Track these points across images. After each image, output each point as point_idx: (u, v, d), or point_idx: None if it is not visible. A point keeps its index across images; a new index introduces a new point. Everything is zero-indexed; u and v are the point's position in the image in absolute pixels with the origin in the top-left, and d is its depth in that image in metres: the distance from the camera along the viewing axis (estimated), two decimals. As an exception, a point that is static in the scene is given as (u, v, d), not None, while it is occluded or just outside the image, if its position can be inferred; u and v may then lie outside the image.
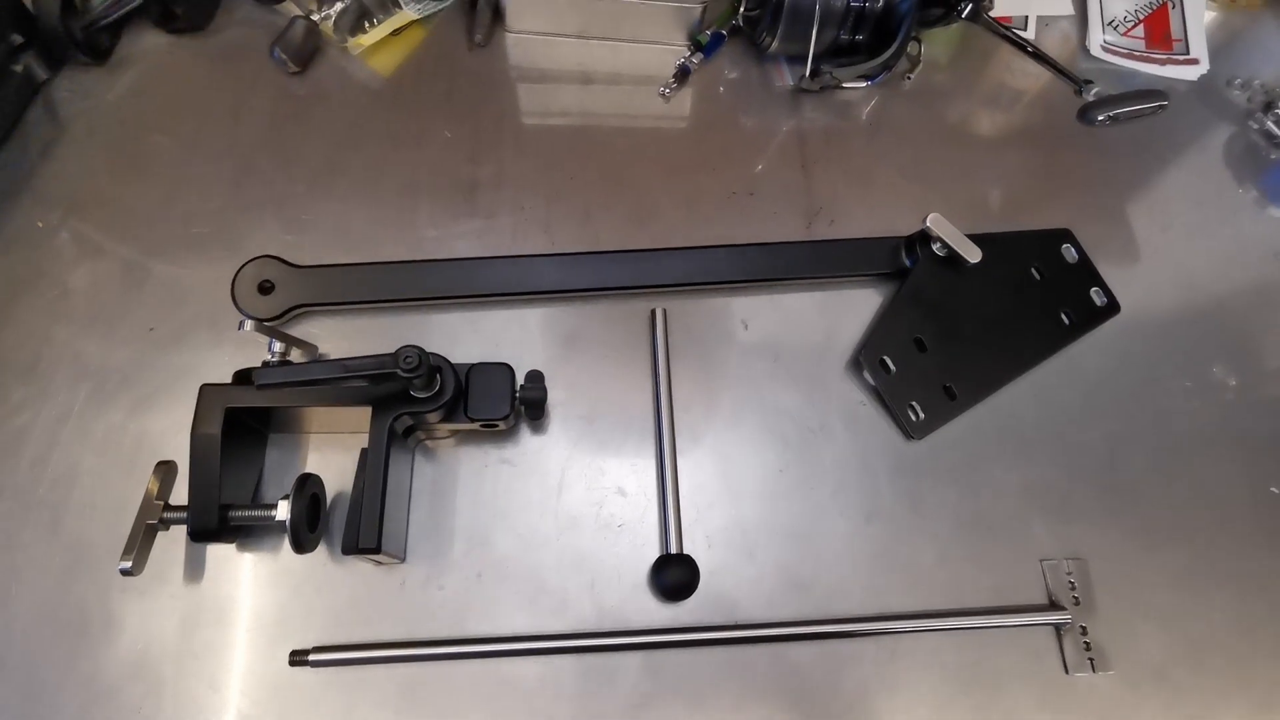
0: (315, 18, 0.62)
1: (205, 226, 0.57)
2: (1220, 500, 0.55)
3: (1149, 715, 0.49)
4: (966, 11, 0.59)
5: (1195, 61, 0.69)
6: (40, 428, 0.50)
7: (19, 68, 0.57)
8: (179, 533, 0.48)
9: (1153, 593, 0.52)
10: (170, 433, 0.51)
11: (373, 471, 0.45)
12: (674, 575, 0.48)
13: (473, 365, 0.49)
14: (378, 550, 0.43)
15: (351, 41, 0.63)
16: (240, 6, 0.65)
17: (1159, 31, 0.71)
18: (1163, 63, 0.69)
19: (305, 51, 0.61)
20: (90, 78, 0.61)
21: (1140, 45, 0.70)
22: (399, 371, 0.43)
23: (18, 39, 0.56)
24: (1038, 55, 0.58)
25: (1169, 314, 0.61)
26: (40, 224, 0.56)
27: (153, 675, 0.45)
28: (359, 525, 0.44)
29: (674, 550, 0.49)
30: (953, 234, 0.55)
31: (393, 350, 0.43)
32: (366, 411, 0.46)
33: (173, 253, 0.56)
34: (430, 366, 0.44)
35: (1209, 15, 0.73)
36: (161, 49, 0.63)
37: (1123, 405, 0.57)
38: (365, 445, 0.46)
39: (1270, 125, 0.66)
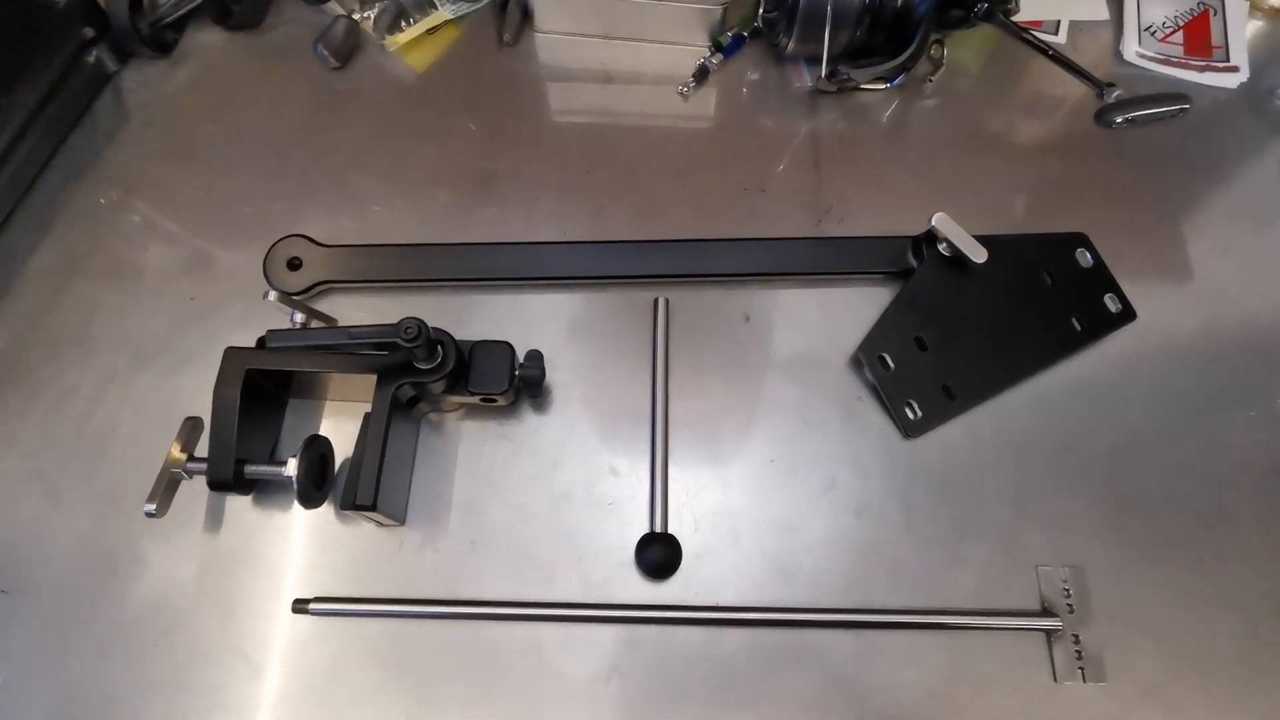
0: (356, 16, 0.66)
1: (243, 209, 0.61)
2: (1230, 519, 0.53)
3: (1140, 730, 0.48)
4: (982, 12, 0.58)
5: (1235, 69, 0.67)
6: (87, 385, 0.55)
7: (90, 59, 0.63)
8: (202, 485, 0.52)
9: (1153, 608, 0.51)
10: (200, 393, 0.54)
11: (373, 435, 0.47)
12: (656, 553, 0.49)
13: (476, 342, 0.51)
14: (373, 508, 0.46)
15: (389, 39, 0.67)
16: (290, 6, 0.70)
17: (1198, 38, 0.69)
18: (1201, 69, 0.67)
19: (346, 48, 0.66)
20: (155, 70, 0.67)
21: (1178, 51, 0.68)
22: (400, 341, 0.45)
23: (90, 33, 0.61)
24: (1058, 59, 0.58)
25: (1191, 328, 0.59)
26: (102, 200, 0.61)
27: (169, 614, 0.49)
28: (357, 483, 0.46)
29: (659, 529, 0.50)
30: (958, 234, 0.55)
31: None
32: (374, 379, 0.49)
33: (214, 231, 0.61)
34: (430, 339, 0.47)
35: (1253, 24, 0.70)
36: (218, 45, 0.68)
37: (1133, 419, 0.56)
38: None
39: (1314, 135, 0.63)
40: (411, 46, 0.68)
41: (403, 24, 0.67)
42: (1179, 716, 0.48)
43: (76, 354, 0.56)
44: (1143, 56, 0.68)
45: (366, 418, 0.49)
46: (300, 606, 0.49)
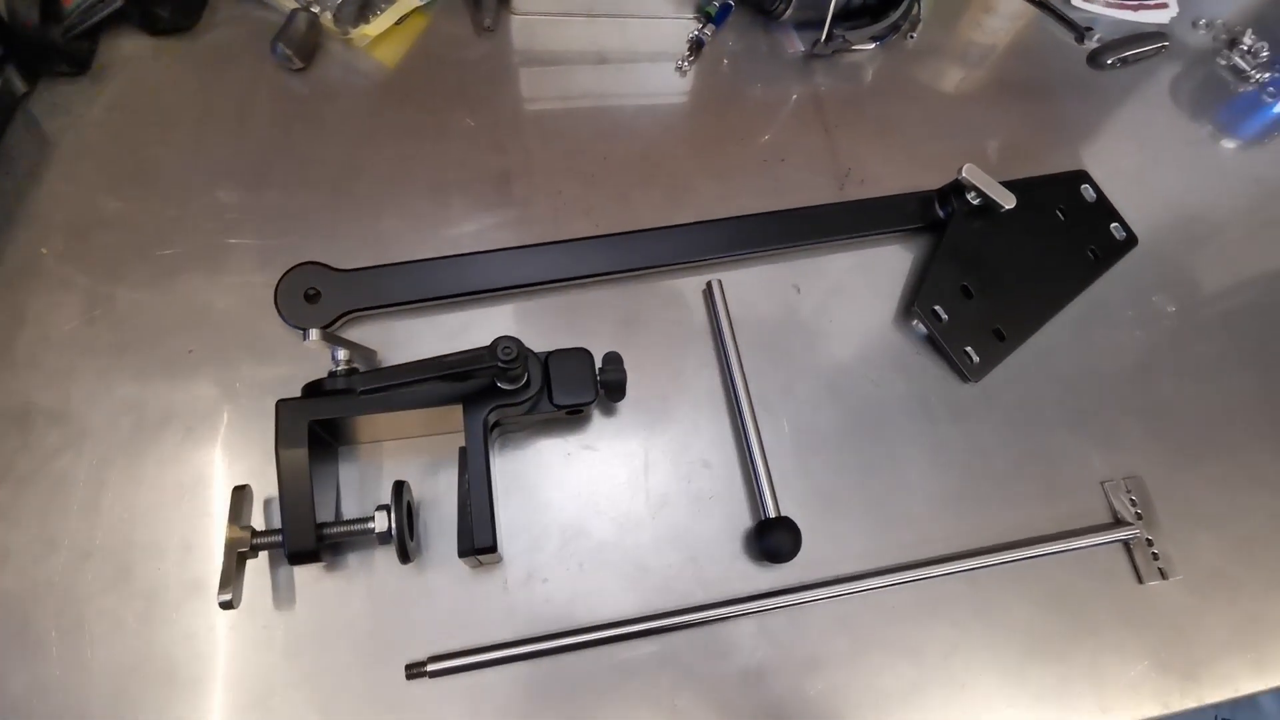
0: (315, 9, 0.58)
1: (226, 238, 0.53)
2: (1240, 411, 0.59)
3: (1215, 612, 0.52)
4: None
5: (1165, 5, 0.73)
6: (84, 470, 0.47)
7: (-2, 82, 0.52)
8: (261, 561, 0.45)
9: (1200, 502, 0.56)
10: (227, 459, 0.48)
11: (475, 469, 0.43)
12: (780, 538, 0.48)
13: (550, 353, 0.48)
14: (494, 549, 0.42)
15: (356, 33, 0.60)
16: (223, 4, 0.61)
17: (1129, -22, 0.75)
18: (1136, 8, 0.73)
19: (308, 46, 0.58)
20: (72, 90, 0.56)
21: (1113, -7, 0.74)
22: (499, 363, 0.41)
23: (-3, 50, 0.51)
24: (1043, 5, 0.61)
25: (1172, 244, 0.65)
26: (45, 250, 0.51)
27: (260, 712, 0.43)
28: (471, 526, 0.42)
29: (772, 514, 0.50)
30: (987, 182, 0.57)
31: (472, 346, 0.42)
32: (440, 413, 0.45)
33: (196, 269, 0.52)
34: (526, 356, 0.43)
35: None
36: (145, 54, 0.58)
37: (1150, 333, 0.61)
38: (427, 449, 0.45)
39: (1236, 60, 0.71)
40: (378, 40, 0.61)
41: (369, 15, 0.60)
42: (1242, 593, 0.53)
43: (63, 435, 0.47)
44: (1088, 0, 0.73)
45: (462, 452, 0.44)
46: (415, 671, 0.44)
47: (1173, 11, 0.73)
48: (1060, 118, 0.69)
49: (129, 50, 0.58)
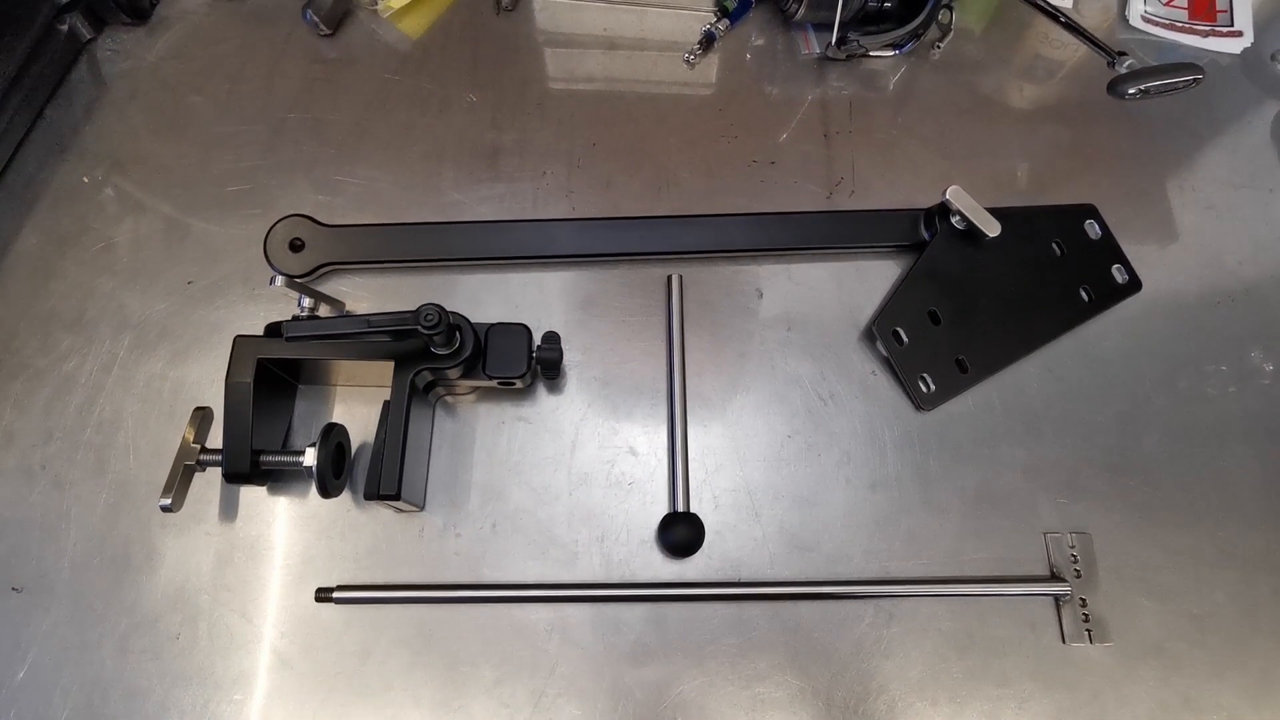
0: (346, -20, 0.63)
1: (239, 185, 0.59)
2: (1229, 483, 0.55)
3: (1143, 688, 0.50)
4: (997, -22, 0.58)
5: (1239, 34, 0.67)
6: (86, 374, 0.53)
7: (65, 27, 0.59)
8: (215, 475, 0.51)
9: (1156, 570, 0.53)
10: (206, 381, 0.53)
11: (394, 423, 0.47)
12: (680, 533, 0.50)
13: (491, 325, 0.51)
14: (397, 497, 0.46)
15: (382, 3, 0.64)
16: (275, -32, 0.66)
17: (1203, 2, 0.69)
18: (1205, 35, 0.67)
19: (336, 14, 0.63)
20: (132, 38, 0.63)
21: (1183, 16, 0.68)
22: (420, 328, 0.44)
23: (63, -1, 0.58)
24: (1069, 25, 0.57)
25: (1194, 296, 0.60)
26: (86, 179, 0.58)
27: (190, 606, 0.49)
28: (380, 473, 0.46)
29: (681, 509, 0.51)
30: (972, 207, 0.55)
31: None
32: (390, 366, 0.49)
33: (209, 210, 0.58)
34: (450, 325, 0.46)
35: (1257, -15, 0.70)
36: (200, 10, 0.65)
37: (1138, 386, 0.57)
38: (388, 398, 0.48)
39: (1315, 101, 0.64)
40: (405, 11, 0.65)
41: (395, -13, 0.64)
42: (1180, 673, 0.50)
43: (74, 342, 0.54)
44: (1148, 21, 0.67)
45: (385, 405, 0.48)
46: (323, 595, 0.49)
47: (1246, 42, 0.66)
48: (1095, 148, 0.65)
49: (187, 5, 0.65)
